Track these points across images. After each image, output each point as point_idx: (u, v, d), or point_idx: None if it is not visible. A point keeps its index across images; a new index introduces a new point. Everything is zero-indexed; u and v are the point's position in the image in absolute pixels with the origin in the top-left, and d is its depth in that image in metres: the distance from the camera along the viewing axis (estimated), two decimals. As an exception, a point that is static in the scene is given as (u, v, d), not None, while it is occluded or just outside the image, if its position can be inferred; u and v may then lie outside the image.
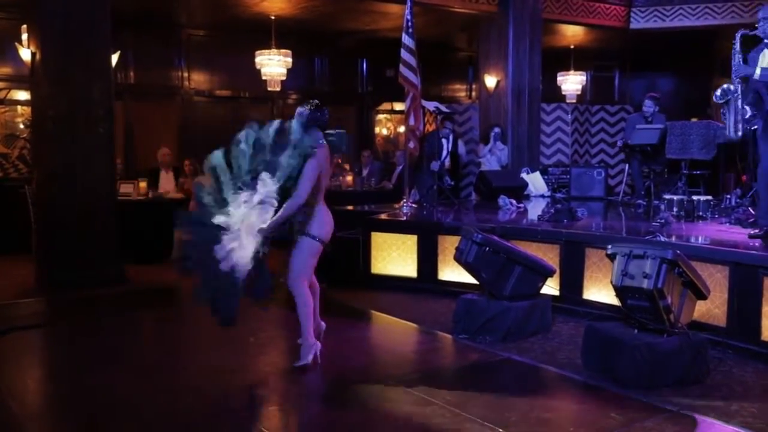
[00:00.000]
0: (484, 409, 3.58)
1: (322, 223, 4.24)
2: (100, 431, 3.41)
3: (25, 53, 6.71)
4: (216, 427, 3.44)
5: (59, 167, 6.58)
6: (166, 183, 9.13)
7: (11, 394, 3.93)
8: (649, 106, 8.77)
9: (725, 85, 6.06)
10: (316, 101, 4.30)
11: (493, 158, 10.05)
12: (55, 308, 6.05)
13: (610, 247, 4.30)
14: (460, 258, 5.17)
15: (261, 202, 4.08)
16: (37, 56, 6.52)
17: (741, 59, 5.85)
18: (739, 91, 5.85)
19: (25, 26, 7.10)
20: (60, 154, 6.56)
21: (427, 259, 6.51)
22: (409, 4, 7.58)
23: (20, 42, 7.48)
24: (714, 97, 6.24)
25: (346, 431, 3.45)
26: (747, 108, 5.85)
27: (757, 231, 5.19)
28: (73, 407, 3.72)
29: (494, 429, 3.32)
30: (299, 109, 4.24)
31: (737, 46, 5.89)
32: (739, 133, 6.02)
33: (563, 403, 3.83)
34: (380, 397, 3.84)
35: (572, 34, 11.74)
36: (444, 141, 9.21)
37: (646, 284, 3.93)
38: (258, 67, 9.96)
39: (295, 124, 4.17)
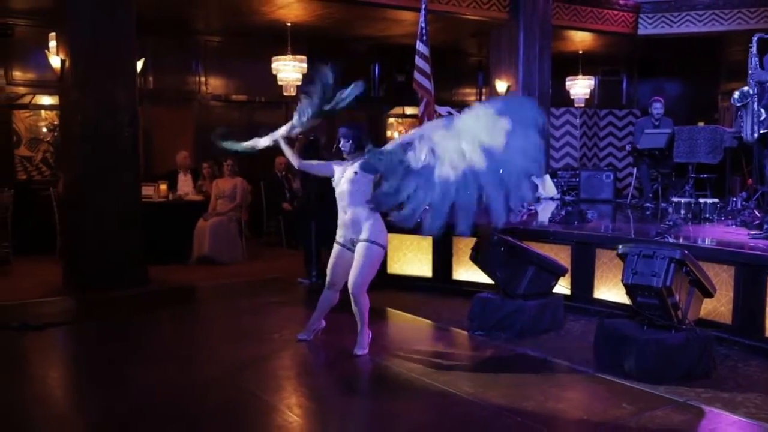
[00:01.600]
0: (503, 398, 3.79)
1: (384, 230, 4.51)
2: (143, 420, 3.63)
3: (55, 60, 6.95)
4: (248, 414, 3.66)
5: (86, 170, 6.80)
6: (185, 185, 9.37)
7: (55, 387, 4.18)
8: (658, 108, 8.98)
9: (744, 88, 6.16)
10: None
11: None
12: (84, 307, 6.27)
13: (620, 247, 4.52)
14: (476, 258, 5.39)
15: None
16: (67, 63, 6.76)
17: (758, 63, 6.00)
18: (756, 94, 5.97)
19: (53, 34, 7.34)
20: (87, 158, 6.78)
21: (442, 259, 6.72)
22: (423, 12, 7.80)
23: (46, 49, 7.74)
24: (732, 100, 6.35)
25: (371, 418, 3.68)
26: (762, 110, 6.00)
27: (758, 232, 5.39)
28: (113, 399, 3.95)
29: (512, 417, 3.54)
30: (348, 132, 4.58)
31: (754, 49, 6.03)
32: (755, 135, 6.10)
33: (576, 394, 4.03)
34: (402, 387, 4.06)
35: (581, 39, 11.93)
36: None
37: (655, 282, 4.14)
38: (274, 72, 10.19)
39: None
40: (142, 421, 3.58)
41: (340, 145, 4.62)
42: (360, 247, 4.44)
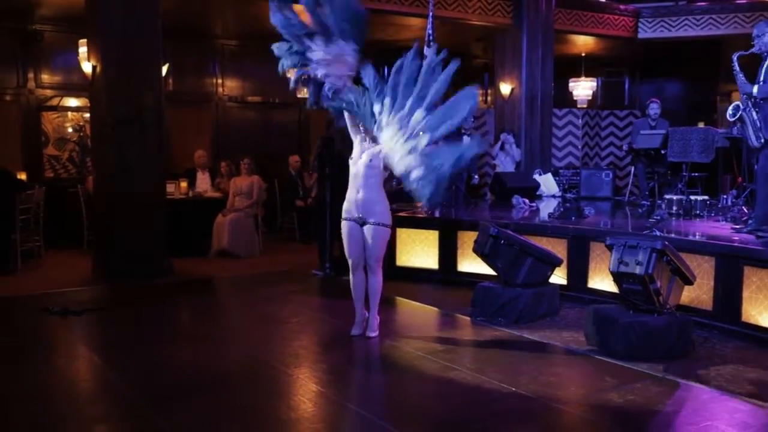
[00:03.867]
0: (499, 373, 4.25)
1: (389, 210, 4.95)
2: (181, 388, 4.11)
3: (87, 66, 7.44)
4: (274, 382, 4.14)
5: (116, 169, 7.28)
6: (203, 183, 9.86)
7: (108, 365, 4.67)
8: (654, 109, 9.41)
9: (735, 103, 6.51)
10: None
11: (507, 157, 10.66)
12: (115, 295, 6.76)
13: (608, 238, 4.96)
14: (478, 249, 5.84)
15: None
16: (98, 69, 7.25)
17: (744, 77, 6.38)
18: (750, 105, 6.33)
19: (83, 41, 7.82)
20: (117, 157, 7.27)
21: (447, 252, 7.17)
22: (430, 19, 8.26)
23: (74, 54, 8.24)
24: (728, 116, 6.73)
25: (384, 388, 4.15)
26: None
27: (741, 227, 5.82)
28: (155, 372, 4.44)
29: (508, 388, 4.00)
30: None
31: (737, 67, 6.43)
32: (762, 140, 6.44)
33: (567, 370, 4.48)
34: (410, 364, 4.52)
35: (583, 42, 12.36)
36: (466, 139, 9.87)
37: (638, 270, 4.58)
38: (288, 74, 10.64)
39: None
40: (175, 394, 4.02)
41: None
42: (371, 230, 4.84)
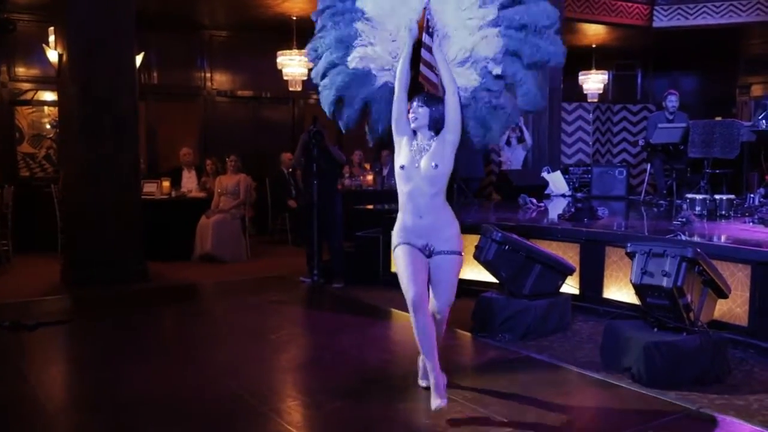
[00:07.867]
0: (503, 407, 3.59)
1: (461, 233, 3.60)
2: (126, 422, 3.48)
3: (53, 54, 6.84)
4: (237, 420, 3.50)
5: (85, 167, 6.71)
6: (189, 182, 9.28)
7: (40, 386, 4.04)
8: (673, 101, 8.75)
9: None
10: None
11: (514, 152, 10.00)
12: (82, 304, 6.19)
13: (629, 245, 4.31)
14: (480, 256, 5.19)
15: None
16: (64, 58, 6.66)
17: None
18: None
19: (52, 28, 7.23)
20: (86, 154, 6.70)
21: (447, 257, 6.52)
22: (428, 4, 7.60)
23: (47, 43, 7.64)
24: None
25: (366, 426, 3.49)
26: None
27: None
28: (99, 399, 3.81)
29: (513, 429, 3.34)
30: (431, 103, 3.55)
31: None
32: None
33: (583, 401, 3.83)
34: (400, 392, 3.87)
35: (594, 33, 11.70)
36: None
37: (665, 282, 3.92)
38: (279, 67, 10.04)
39: None
40: (130, 422, 3.42)
41: (411, 113, 3.51)
42: (444, 262, 3.49)
